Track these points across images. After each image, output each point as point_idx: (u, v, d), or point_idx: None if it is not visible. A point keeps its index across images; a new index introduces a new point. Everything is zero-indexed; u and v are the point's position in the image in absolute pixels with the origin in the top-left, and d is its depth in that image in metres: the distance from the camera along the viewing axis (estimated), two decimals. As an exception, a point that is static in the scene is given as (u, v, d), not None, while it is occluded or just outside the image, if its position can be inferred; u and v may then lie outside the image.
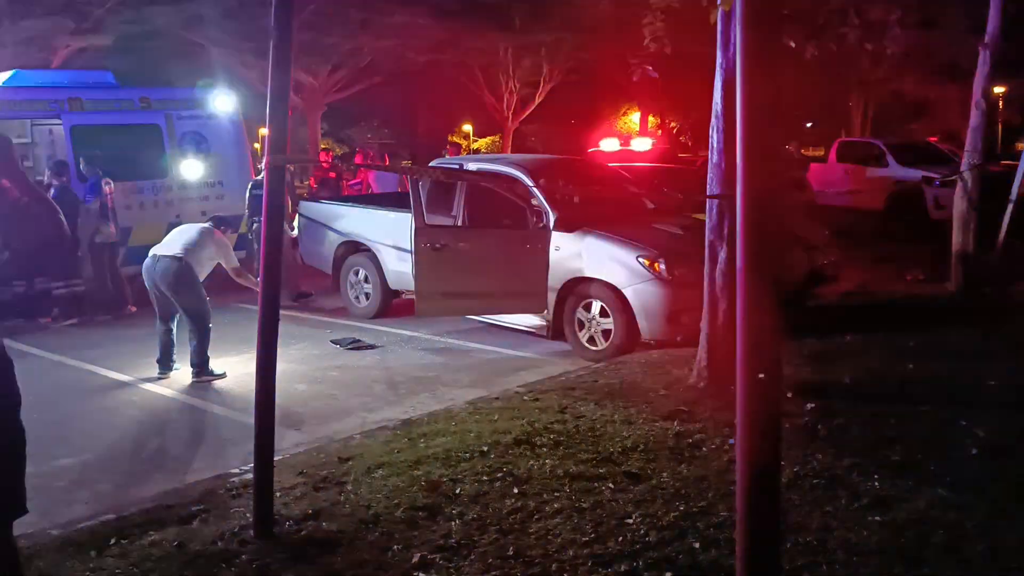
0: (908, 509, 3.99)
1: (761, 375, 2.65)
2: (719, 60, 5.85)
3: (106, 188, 9.81)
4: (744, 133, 2.61)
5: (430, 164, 10.21)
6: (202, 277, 7.45)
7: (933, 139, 24.09)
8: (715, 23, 5.76)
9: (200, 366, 7.31)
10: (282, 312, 4.18)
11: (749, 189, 2.60)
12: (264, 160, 3.69)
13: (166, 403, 6.88)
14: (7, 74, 10.76)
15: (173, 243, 7.42)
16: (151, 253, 7.47)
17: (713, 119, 5.99)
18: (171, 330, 7.48)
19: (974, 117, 9.52)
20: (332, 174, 16.44)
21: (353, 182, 16.60)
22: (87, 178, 10.02)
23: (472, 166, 9.38)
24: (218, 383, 7.23)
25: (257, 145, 21.83)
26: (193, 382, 7.27)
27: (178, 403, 6.86)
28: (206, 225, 7.73)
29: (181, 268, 7.26)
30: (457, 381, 7.22)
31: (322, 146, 28.44)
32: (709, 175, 6.08)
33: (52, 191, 9.42)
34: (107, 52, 18.71)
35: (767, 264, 2.65)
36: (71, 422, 6.33)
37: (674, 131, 36.99)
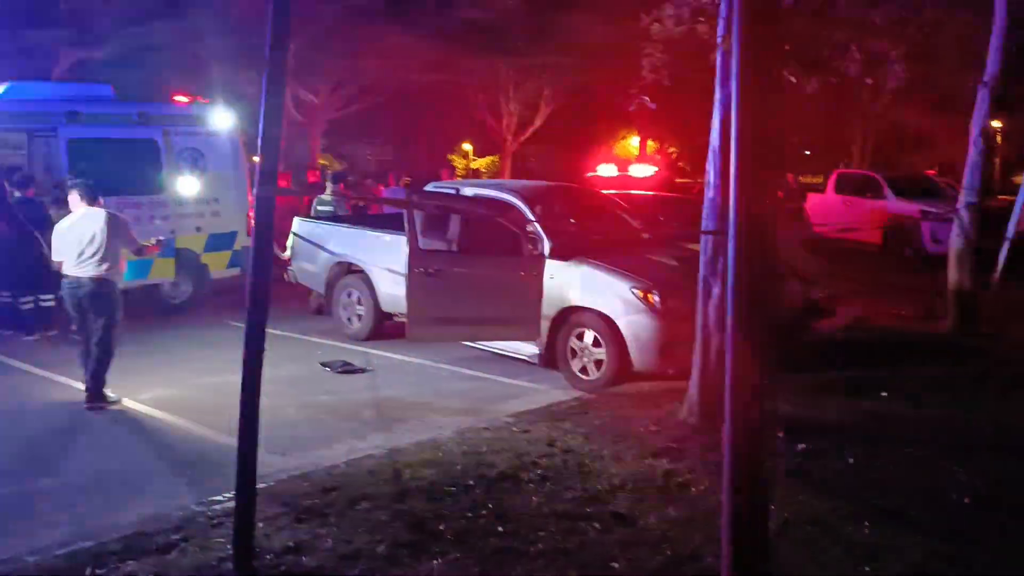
0: (904, 562, 3.92)
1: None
2: (718, 95, 5.82)
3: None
4: (738, 172, 2.56)
5: (426, 187, 10.15)
6: (118, 278, 7.29)
7: (931, 172, 24.16)
8: (715, 63, 5.73)
9: (95, 391, 7.11)
10: (272, 332, 4.10)
11: (742, 228, 2.55)
12: (256, 190, 3.64)
13: (151, 423, 6.78)
14: (2, 87, 10.67)
15: (87, 262, 7.07)
16: (65, 274, 7.15)
17: (710, 153, 5.95)
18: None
19: (972, 155, 9.51)
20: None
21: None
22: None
23: (468, 191, 9.34)
24: (206, 403, 7.12)
25: (256, 158, 21.80)
26: (91, 406, 7.01)
27: (163, 424, 6.77)
28: (103, 217, 7.15)
29: (102, 286, 7.12)
30: (447, 408, 7.15)
31: (321, 161, 28.42)
32: (704, 209, 6.04)
33: (16, 204, 9.10)
34: (107, 64, 18.68)
35: (759, 305, 2.61)
36: (56, 440, 6.25)
37: (673, 156, 37.04)
